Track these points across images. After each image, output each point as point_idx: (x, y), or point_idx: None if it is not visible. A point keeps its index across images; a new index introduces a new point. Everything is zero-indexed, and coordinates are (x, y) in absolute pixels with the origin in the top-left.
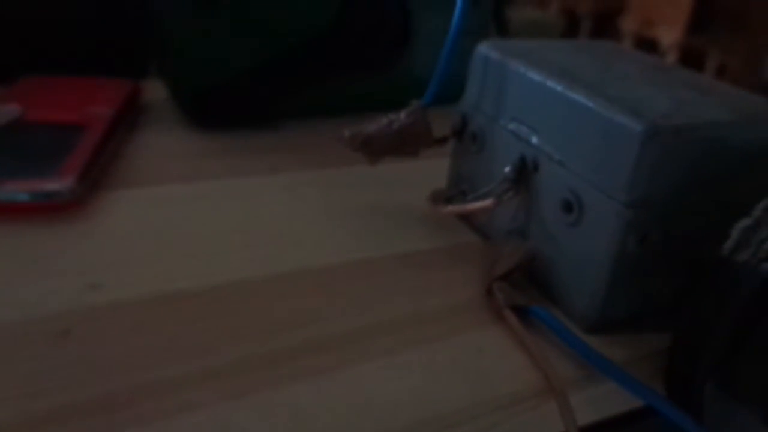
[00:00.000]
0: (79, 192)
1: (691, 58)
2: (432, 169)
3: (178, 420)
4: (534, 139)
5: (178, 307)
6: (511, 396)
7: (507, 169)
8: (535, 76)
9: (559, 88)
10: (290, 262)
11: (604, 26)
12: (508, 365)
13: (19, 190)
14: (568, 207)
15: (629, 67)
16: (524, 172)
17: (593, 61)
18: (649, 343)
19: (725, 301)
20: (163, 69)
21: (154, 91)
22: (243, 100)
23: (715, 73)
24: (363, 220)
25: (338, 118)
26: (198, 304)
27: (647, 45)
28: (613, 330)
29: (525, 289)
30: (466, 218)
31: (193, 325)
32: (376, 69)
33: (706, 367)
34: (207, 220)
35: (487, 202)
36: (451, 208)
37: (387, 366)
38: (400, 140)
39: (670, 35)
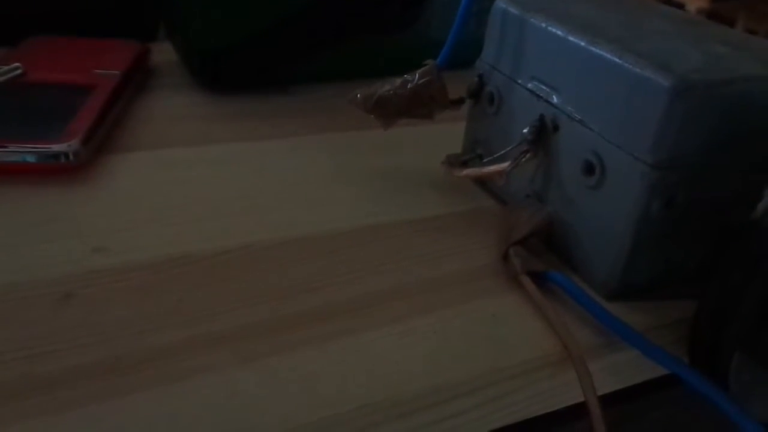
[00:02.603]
0: (84, 154)
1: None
2: (447, 133)
3: (183, 384)
4: (554, 98)
5: (184, 270)
6: (528, 363)
7: (525, 130)
8: (557, 30)
9: (582, 42)
10: (300, 227)
11: None
12: (525, 332)
13: (23, 150)
14: (589, 169)
15: (659, 22)
16: (543, 133)
17: (620, 16)
18: (671, 311)
19: (757, 267)
20: (172, 31)
21: (164, 53)
22: (253, 63)
23: None
24: (375, 184)
25: (352, 81)
26: (205, 268)
27: None
28: (634, 297)
29: (543, 255)
30: (482, 182)
31: (200, 289)
32: (390, 30)
33: (735, 335)
34: (215, 184)
35: (504, 165)
36: (467, 172)
37: (398, 332)
38: (414, 101)
39: (696, 0)
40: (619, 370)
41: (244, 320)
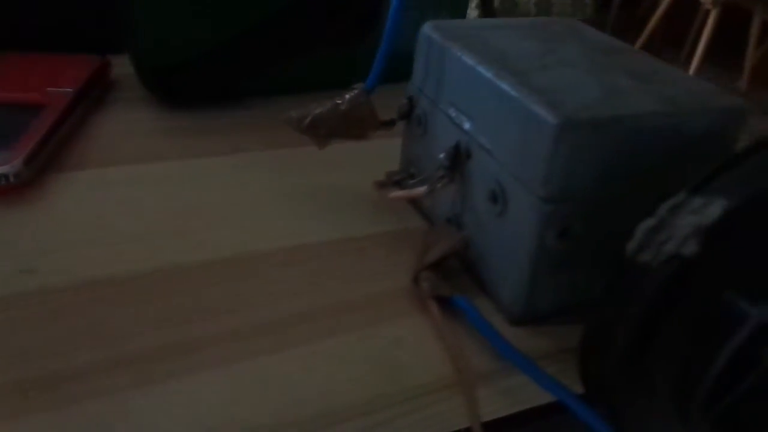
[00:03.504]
0: (26, 175)
1: (735, 16)
2: (392, 149)
3: (79, 407)
4: (467, 126)
5: (106, 293)
6: (421, 388)
7: (441, 156)
8: (468, 60)
9: (488, 74)
10: (228, 248)
11: None
12: (424, 356)
13: None
14: (494, 197)
15: (574, 51)
16: (458, 160)
17: (538, 45)
18: (574, 336)
19: (626, 303)
20: (127, 45)
21: (128, 65)
22: (207, 77)
23: (759, 31)
24: (310, 203)
25: (307, 94)
26: (127, 290)
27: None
28: (540, 322)
29: (458, 278)
30: (414, 202)
31: (119, 310)
32: (343, 45)
33: (612, 366)
34: (152, 204)
35: (420, 190)
36: (391, 194)
37: (300, 356)
38: (345, 123)
39: None
40: (513, 394)
41: (151, 343)
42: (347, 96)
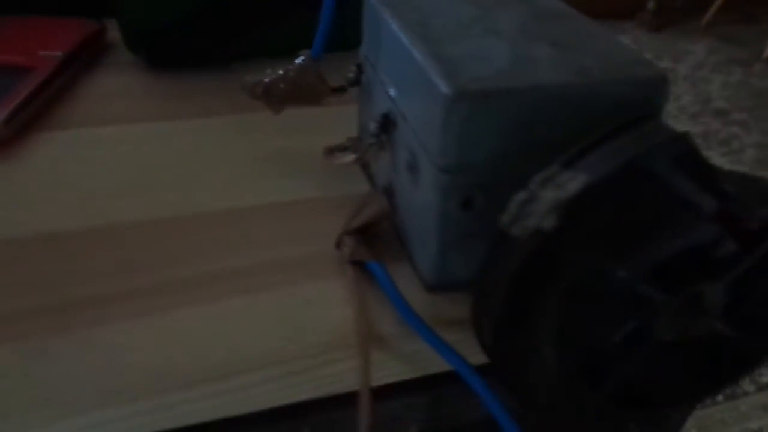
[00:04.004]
0: (3, 134)
1: None
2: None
3: (3, 349)
4: (392, 94)
5: (51, 246)
6: (321, 346)
7: (372, 124)
8: (393, 26)
9: (406, 41)
10: (171, 208)
11: None
12: (330, 319)
13: None
14: (409, 167)
15: (510, 18)
16: (388, 128)
17: (475, 10)
18: None
19: (497, 276)
20: (113, 9)
21: None
22: (190, 42)
23: None
24: (268, 166)
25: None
26: (71, 245)
27: None
28: (454, 289)
29: (391, 242)
30: (364, 169)
31: (57, 263)
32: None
33: (492, 336)
34: (117, 164)
35: (350, 157)
36: (331, 161)
37: (214, 311)
38: (296, 90)
39: None
40: (414, 360)
41: (80, 293)
42: (295, 63)
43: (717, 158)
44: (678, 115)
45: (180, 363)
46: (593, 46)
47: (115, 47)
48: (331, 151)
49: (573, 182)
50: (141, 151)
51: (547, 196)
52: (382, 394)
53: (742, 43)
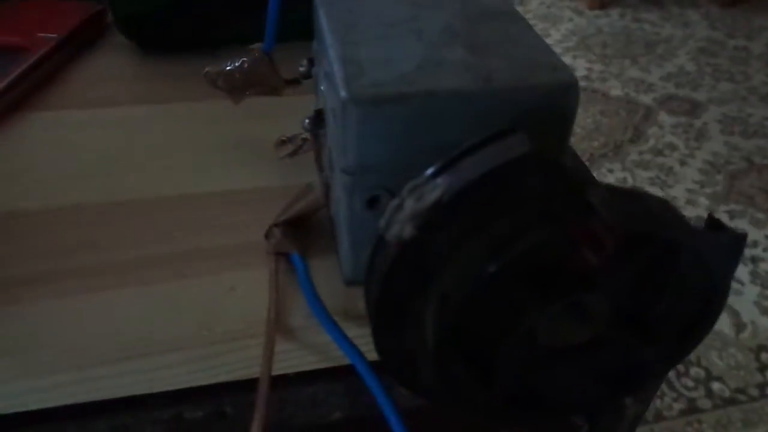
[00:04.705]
0: None
1: None
2: None
3: None
4: (322, 90)
5: (7, 224)
6: (232, 333)
7: (305, 120)
8: (323, 23)
9: (328, 41)
10: (126, 193)
11: None
12: (248, 307)
13: None
14: (329, 164)
15: (441, 19)
16: (320, 124)
17: (406, 10)
18: None
19: (372, 277)
20: None
21: None
22: (181, 25)
23: None
24: (227, 154)
25: (285, 43)
26: (25, 224)
27: None
28: None
29: (319, 236)
30: (317, 160)
31: (9, 241)
32: None
33: (376, 337)
34: (88, 146)
35: (287, 151)
36: (277, 151)
37: (140, 294)
38: (252, 82)
39: None
40: (318, 351)
41: (21, 272)
42: (250, 55)
43: None
44: (747, 96)
45: (102, 341)
46: (509, 50)
47: (114, 29)
48: (283, 142)
49: (433, 192)
50: (113, 134)
51: (408, 206)
52: (304, 380)
53: None
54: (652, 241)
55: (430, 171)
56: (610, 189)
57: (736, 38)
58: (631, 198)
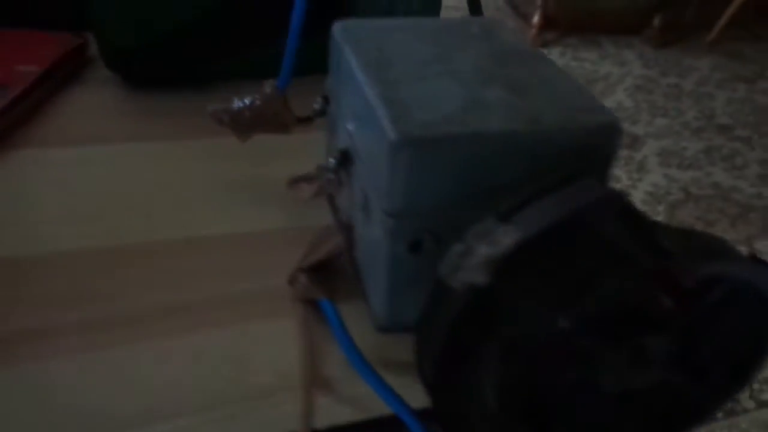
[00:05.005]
0: None
1: None
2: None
3: None
4: (350, 129)
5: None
6: (265, 388)
7: (331, 159)
8: (353, 63)
9: (362, 80)
10: (125, 236)
11: None
12: (277, 358)
13: None
14: (362, 205)
15: (471, 58)
16: (347, 164)
17: (435, 50)
18: None
19: (436, 325)
20: (92, 25)
21: None
22: (169, 60)
23: None
24: (231, 194)
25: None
26: (15, 272)
27: None
28: (405, 330)
29: (348, 280)
30: (330, 201)
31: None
32: (311, 33)
33: (433, 382)
34: (80, 186)
35: (308, 192)
36: (291, 191)
37: (157, 348)
38: (263, 119)
39: None
40: (357, 403)
41: (14, 325)
42: (263, 92)
43: (720, 173)
44: (681, 131)
45: (118, 404)
46: (548, 91)
47: (97, 62)
48: (296, 181)
49: (506, 238)
50: (105, 173)
51: (481, 252)
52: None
53: (747, 60)
54: (723, 281)
55: (497, 214)
56: (678, 230)
57: (669, 76)
58: (695, 238)
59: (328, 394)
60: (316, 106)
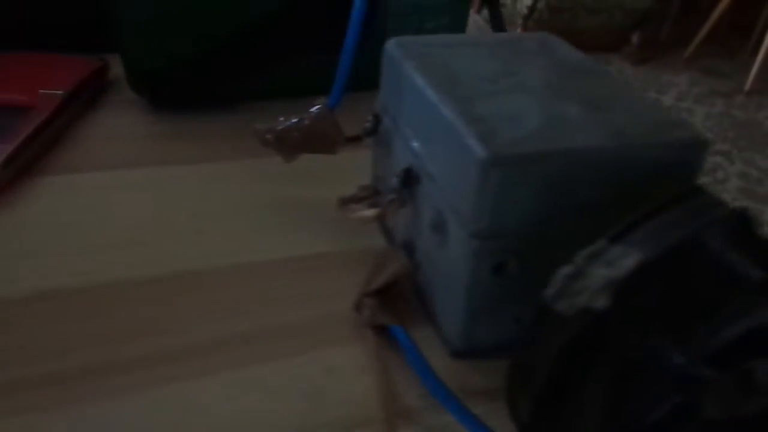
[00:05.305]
0: (1, 178)
1: None
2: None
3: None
4: (417, 149)
5: (50, 306)
6: (343, 421)
7: (394, 179)
8: (419, 81)
9: (434, 98)
10: (177, 263)
11: None
12: (352, 389)
13: None
14: (435, 227)
15: (536, 73)
16: (410, 183)
17: (499, 66)
18: None
19: (540, 352)
20: (116, 47)
21: None
22: (197, 81)
23: None
24: (273, 217)
25: (301, 99)
26: (71, 304)
27: None
28: (482, 356)
29: (410, 305)
30: (380, 221)
31: (57, 326)
32: (337, 51)
33: (531, 412)
34: (119, 212)
35: (371, 212)
36: (345, 213)
37: (224, 383)
38: (310, 138)
39: None
40: None
41: (79, 362)
42: (311, 111)
43: None
44: None
45: None
46: (624, 106)
47: (118, 85)
48: (345, 202)
49: (626, 259)
50: (144, 198)
51: (598, 274)
52: None
53: (724, 75)
54: None
55: (609, 235)
56: None
57: (648, 92)
58: None
59: (410, 425)
60: (367, 125)
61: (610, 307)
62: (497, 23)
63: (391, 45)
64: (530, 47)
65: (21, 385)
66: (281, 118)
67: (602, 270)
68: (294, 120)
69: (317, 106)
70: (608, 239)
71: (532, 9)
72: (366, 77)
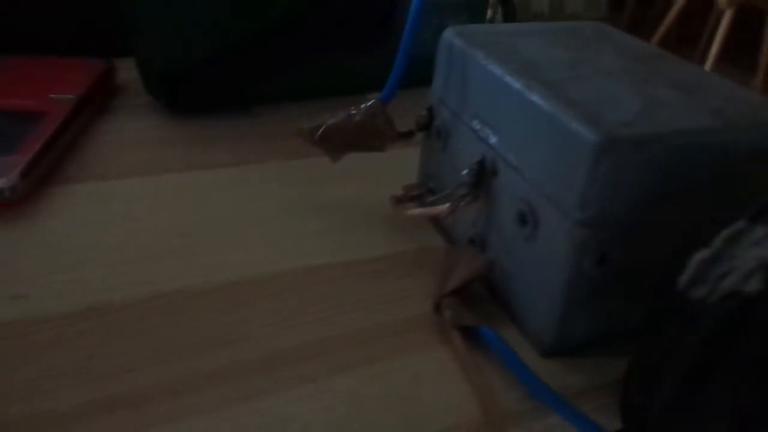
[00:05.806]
0: (21, 190)
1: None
2: (410, 160)
3: None
4: (493, 140)
5: (101, 321)
6: (447, 430)
7: (464, 173)
8: (495, 69)
9: (517, 85)
10: (232, 271)
11: None
12: (447, 395)
13: None
14: (523, 219)
15: (609, 59)
16: (483, 176)
17: (569, 52)
18: (611, 369)
19: (677, 343)
20: (132, 51)
21: (133, 70)
22: (215, 84)
23: None
24: (321, 220)
25: (321, 101)
26: (124, 319)
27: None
28: (573, 353)
29: (482, 304)
30: (433, 220)
31: (113, 343)
32: (359, 50)
33: (659, 410)
34: (155, 220)
35: (442, 208)
36: (408, 212)
37: (310, 394)
38: (361, 135)
39: None
40: None
41: (142, 382)
42: (362, 106)
43: None
44: None
45: None
46: (712, 89)
47: (126, 89)
48: (400, 200)
49: None
50: (174, 204)
51: (748, 255)
52: None
53: None
54: None
55: (748, 215)
56: None
57: None
58: None
59: (517, 429)
60: (421, 119)
61: (763, 289)
62: (510, 19)
63: (451, 35)
64: (588, 35)
65: (83, 411)
66: (326, 115)
67: (753, 250)
68: (342, 116)
69: (369, 101)
70: (748, 219)
71: (490, 22)
72: (420, 74)
